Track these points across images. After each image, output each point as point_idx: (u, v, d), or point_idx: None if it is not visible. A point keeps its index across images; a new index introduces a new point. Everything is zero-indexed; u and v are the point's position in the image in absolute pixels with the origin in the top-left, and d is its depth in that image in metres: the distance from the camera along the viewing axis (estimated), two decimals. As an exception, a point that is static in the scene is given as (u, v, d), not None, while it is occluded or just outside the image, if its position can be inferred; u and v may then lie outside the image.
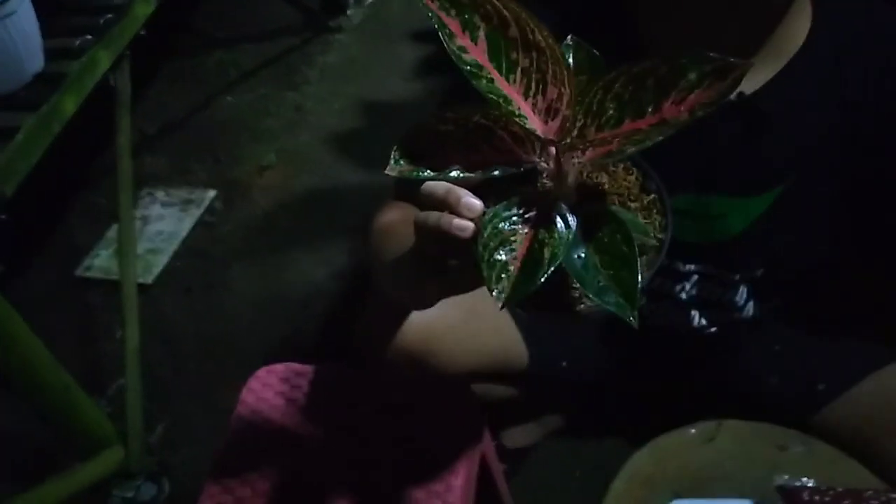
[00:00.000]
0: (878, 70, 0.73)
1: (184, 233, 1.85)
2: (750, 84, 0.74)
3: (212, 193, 1.94)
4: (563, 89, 0.46)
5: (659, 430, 0.85)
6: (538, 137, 0.47)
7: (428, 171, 0.49)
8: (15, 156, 1.13)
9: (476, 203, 0.51)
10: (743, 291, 0.89)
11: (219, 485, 0.85)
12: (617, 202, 0.55)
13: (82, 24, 1.36)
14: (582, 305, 0.52)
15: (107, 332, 1.65)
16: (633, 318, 0.44)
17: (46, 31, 1.25)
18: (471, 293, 0.58)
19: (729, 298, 0.89)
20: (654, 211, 0.54)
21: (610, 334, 1.01)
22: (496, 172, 0.49)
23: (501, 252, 0.47)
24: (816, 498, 0.73)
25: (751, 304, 0.90)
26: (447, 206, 0.52)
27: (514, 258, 0.47)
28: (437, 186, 0.53)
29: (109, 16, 1.39)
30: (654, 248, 0.52)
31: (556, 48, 0.46)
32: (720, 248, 0.84)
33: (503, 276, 0.46)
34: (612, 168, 0.56)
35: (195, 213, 1.89)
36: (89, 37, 1.33)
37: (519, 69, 0.47)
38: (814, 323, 0.94)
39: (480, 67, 0.47)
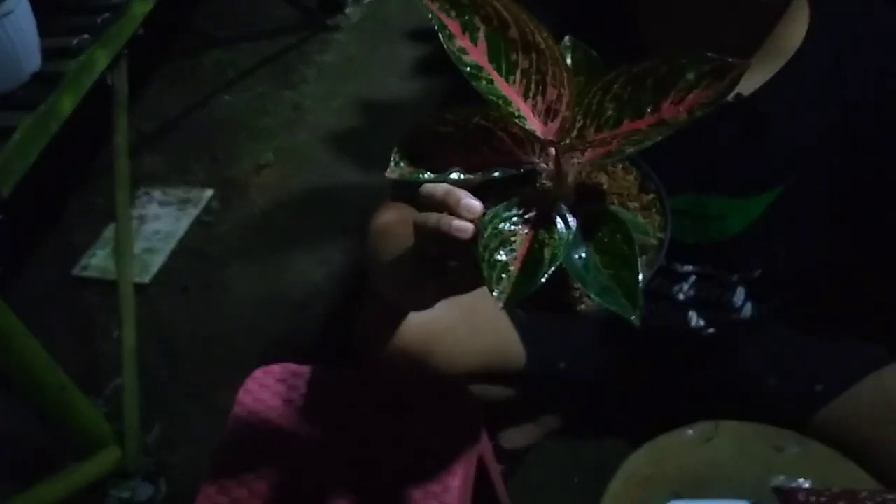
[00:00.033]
0: (877, 70, 0.74)
1: (181, 232, 1.84)
2: (748, 85, 0.74)
3: (209, 192, 1.93)
4: (562, 90, 0.47)
5: (657, 430, 0.85)
6: (538, 138, 0.47)
7: (428, 172, 0.49)
8: (12, 155, 1.13)
9: (475, 204, 0.51)
10: (741, 292, 0.89)
11: (215, 485, 0.85)
12: (616, 202, 0.55)
13: (80, 24, 1.36)
14: (582, 305, 0.52)
15: (103, 331, 1.65)
16: (636, 317, 0.44)
17: (44, 31, 1.25)
18: (469, 294, 0.58)
19: (727, 299, 0.89)
20: (654, 210, 0.54)
21: (608, 335, 1.01)
22: (496, 174, 0.49)
23: (502, 252, 0.47)
24: (812, 499, 0.73)
25: (749, 304, 0.90)
26: (446, 207, 0.52)
27: (515, 258, 0.47)
28: (436, 188, 0.53)
29: (107, 15, 1.39)
30: (654, 248, 0.52)
31: (556, 49, 0.46)
32: (718, 248, 0.84)
33: (504, 276, 0.46)
34: (610, 168, 0.56)
35: (192, 212, 1.89)
36: (87, 36, 1.33)
37: (519, 70, 0.47)
38: (812, 323, 0.94)
39: (480, 69, 0.47)
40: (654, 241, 0.53)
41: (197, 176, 2.00)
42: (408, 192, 0.59)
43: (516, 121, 0.47)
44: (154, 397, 1.47)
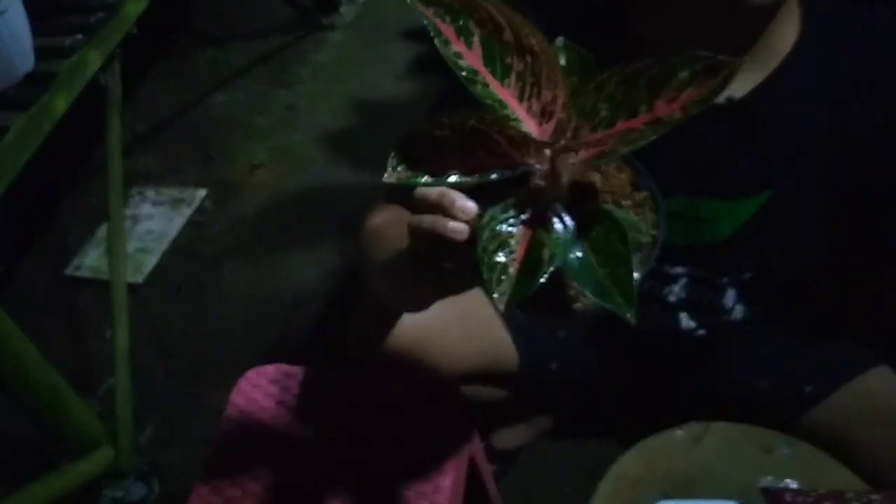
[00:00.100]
0: (869, 73, 0.74)
1: (174, 232, 1.84)
2: (740, 88, 0.75)
3: (202, 192, 1.93)
4: (556, 92, 0.47)
5: (647, 431, 0.85)
6: (533, 140, 0.48)
7: (426, 176, 0.50)
8: (5, 155, 1.12)
9: (470, 205, 0.51)
10: (731, 294, 0.89)
11: (208, 485, 0.85)
12: (609, 200, 0.55)
13: (73, 23, 1.36)
14: (579, 304, 0.52)
15: (96, 331, 1.64)
16: (631, 315, 0.45)
17: (37, 30, 1.24)
18: (463, 296, 0.58)
19: (717, 301, 0.90)
20: (646, 208, 0.55)
21: (599, 336, 1.01)
22: (493, 176, 0.49)
23: (500, 254, 0.47)
24: (799, 499, 0.74)
25: (739, 306, 0.91)
26: (441, 209, 0.52)
27: (514, 259, 0.47)
28: (431, 190, 0.53)
29: (100, 14, 1.39)
30: (648, 245, 0.53)
31: (550, 51, 0.46)
32: (709, 250, 0.84)
33: (503, 277, 0.47)
34: (603, 167, 0.56)
35: (186, 212, 1.89)
36: (80, 36, 1.33)
37: (514, 73, 0.47)
38: (802, 325, 0.94)
39: (476, 73, 0.47)
40: (647, 239, 0.53)
41: (190, 175, 2.00)
42: (401, 195, 0.59)
43: (512, 123, 0.47)
44: (147, 397, 1.47)
